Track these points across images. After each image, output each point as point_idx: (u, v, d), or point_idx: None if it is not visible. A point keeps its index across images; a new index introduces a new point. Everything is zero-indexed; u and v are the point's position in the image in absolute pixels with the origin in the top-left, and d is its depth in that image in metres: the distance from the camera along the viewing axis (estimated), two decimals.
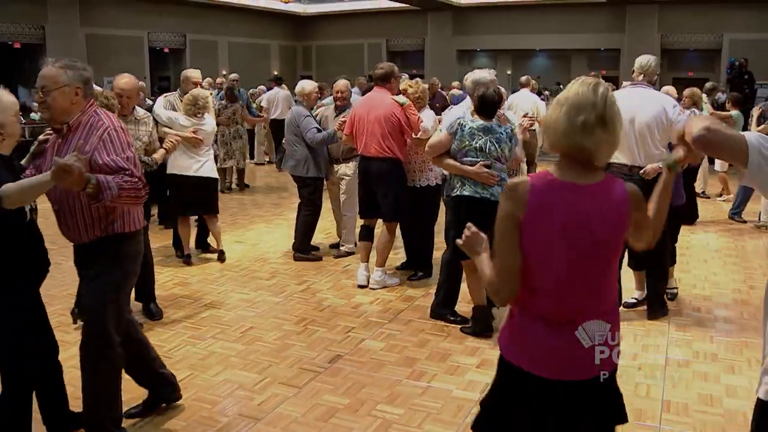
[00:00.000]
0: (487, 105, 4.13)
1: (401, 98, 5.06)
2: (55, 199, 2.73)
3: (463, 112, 4.35)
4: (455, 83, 12.28)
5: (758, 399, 1.83)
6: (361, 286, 5.24)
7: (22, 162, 2.94)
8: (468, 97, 4.64)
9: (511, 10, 20.41)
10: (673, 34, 18.53)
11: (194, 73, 6.08)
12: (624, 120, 4.24)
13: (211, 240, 6.21)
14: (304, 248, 6.06)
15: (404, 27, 22.37)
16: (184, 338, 4.22)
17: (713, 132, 1.69)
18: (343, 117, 5.51)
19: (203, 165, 5.58)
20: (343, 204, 6.05)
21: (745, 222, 7.64)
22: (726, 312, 4.75)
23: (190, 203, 5.68)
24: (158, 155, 4.51)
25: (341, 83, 6.03)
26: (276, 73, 22.90)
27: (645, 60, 4.46)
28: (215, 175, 5.78)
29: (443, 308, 4.51)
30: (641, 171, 4.24)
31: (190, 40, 20.60)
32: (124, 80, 4.47)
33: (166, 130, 5.56)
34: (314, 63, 24.43)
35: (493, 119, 4.19)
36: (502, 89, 5.45)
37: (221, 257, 5.97)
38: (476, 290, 4.23)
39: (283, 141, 6.24)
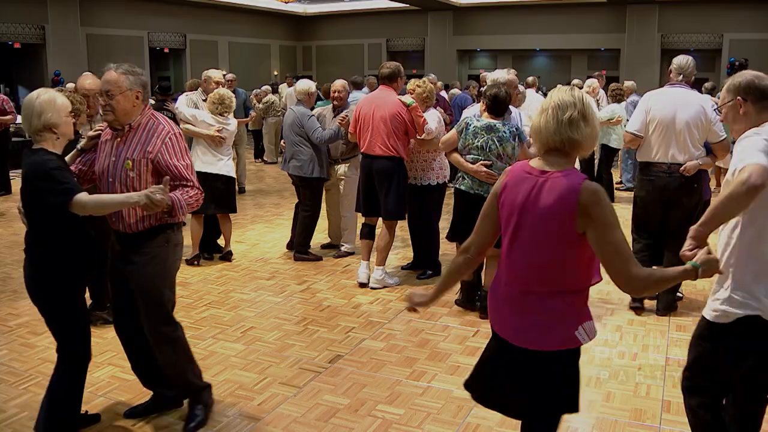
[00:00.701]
0: (497, 105, 4.37)
1: (408, 99, 5.05)
2: (111, 192, 2.86)
3: (476, 111, 4.60)
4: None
5: (704, 318, 2.41)
6: (362, 284, 5.24)
7: (65, 158, 2.97)
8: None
9: (511, 10, 20.43)
10: (673, 34, 18.53)
11: (216, 74, 6.20)
12: (665, 118, 4.52)
13: (219, 241, 6.19)
14: (304, 249, 6.06)
15: (404, 27, 22.38)
16: None
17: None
18: (345, 113, 5.62)
19: (225, 163, 5.73)
20: (342, 204, 6.04)
21: None
22: None
23: (213, 201, 5.64)
24: None
25: (338, 83, 6.03)
26: (276, 73, 22.94)
27: (684, 60, 4.55)
28: (234, 174, 5.94)
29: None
30: (681, 168, 4.34)
31: (190, 40, 20.61)
32: (89, 81, 4.38)
33: (189, 127, 5.64)
34: (314, 63, 24.45)
35: (503, 118, 4.42)
36: (522, 88, 5.88)
37: (228, 257, 5.98)
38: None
39: (282, 141, 6.22)
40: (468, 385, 2.34)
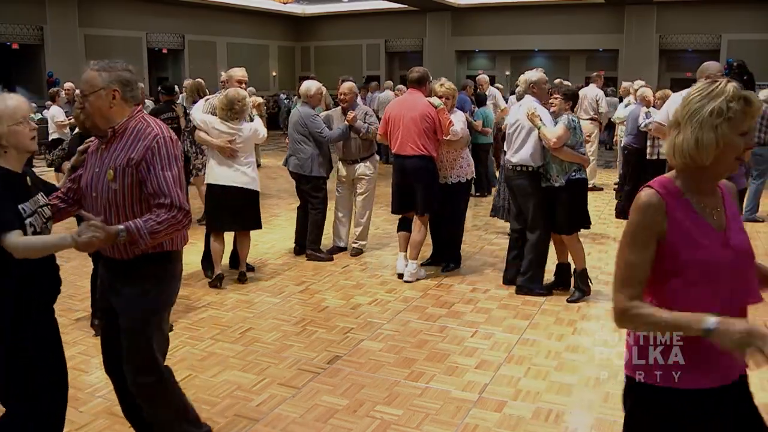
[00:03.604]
0: (576, 101, 5.12)
1: (435, 100, 5.31)
2: (97, 214, 2.43)
3: (534, 106, 4.86)
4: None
5: None
6: (400, 275, 5.43)
7: (59, 184, 2.71)
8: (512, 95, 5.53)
9: (509, 10, 20.44)
10: (671, 34, 18.56)
11: (238, 72, 5.49)
12: (662, 117, 5.12)
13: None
14: (316, 246, 6.06)
15: (403, 27, 22.38)
16: (182, 339, 4.21)
17: None
18: (353, 113, 5.87)
19: (244, 173, 5.09)
20: (360, 203, 6.14)
21: (762, 221, 7.57)
22: None
23: (231, 216, 5.14)
24: None
25: (346, 86, 6.13)
26: (275, 73, 22.93)
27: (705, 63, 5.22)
28: (257, 187, 5.24)
29: (531, 283, 5.03)
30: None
31: (189, 40, 20.61)
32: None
33: (202, 134, 5.14)
34: (313, 63, 24.44)
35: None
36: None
37: (242, 278, 5.35)
38: (578, 257, 4.94)
39: (287, 140, 6.26)
40: None
